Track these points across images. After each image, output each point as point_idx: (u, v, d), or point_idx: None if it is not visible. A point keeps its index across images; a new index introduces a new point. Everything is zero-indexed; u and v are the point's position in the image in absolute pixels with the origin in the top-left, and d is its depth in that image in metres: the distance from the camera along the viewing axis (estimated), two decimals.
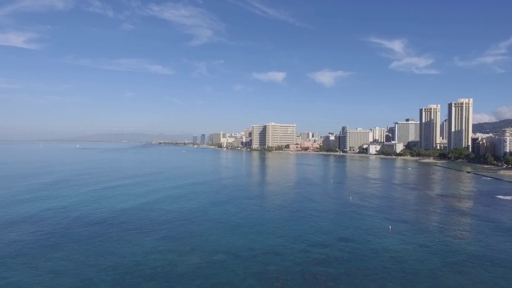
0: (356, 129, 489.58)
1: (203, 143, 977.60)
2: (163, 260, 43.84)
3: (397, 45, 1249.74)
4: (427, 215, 76.04)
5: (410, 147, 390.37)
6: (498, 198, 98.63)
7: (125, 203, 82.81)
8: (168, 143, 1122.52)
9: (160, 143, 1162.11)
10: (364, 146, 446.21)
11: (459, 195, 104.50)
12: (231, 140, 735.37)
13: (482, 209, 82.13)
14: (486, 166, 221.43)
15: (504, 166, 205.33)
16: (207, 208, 78.88)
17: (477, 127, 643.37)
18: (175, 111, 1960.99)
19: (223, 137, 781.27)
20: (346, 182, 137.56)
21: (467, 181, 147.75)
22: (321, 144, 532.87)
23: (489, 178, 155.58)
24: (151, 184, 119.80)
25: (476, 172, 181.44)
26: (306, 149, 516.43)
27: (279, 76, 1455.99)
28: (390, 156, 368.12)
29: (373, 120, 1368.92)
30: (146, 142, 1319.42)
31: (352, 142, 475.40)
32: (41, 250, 47.20)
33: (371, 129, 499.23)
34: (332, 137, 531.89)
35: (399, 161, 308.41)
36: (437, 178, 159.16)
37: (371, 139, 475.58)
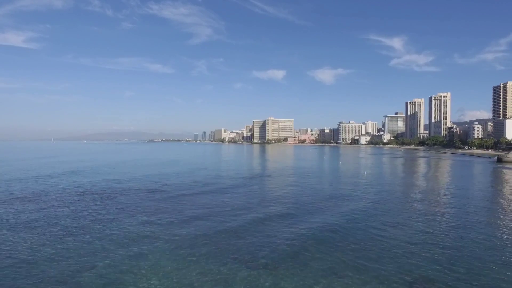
0: (349, 122, 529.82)
1: (205, 140, 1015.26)
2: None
3: (396, 43, 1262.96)
4: (379, 162, 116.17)
5: (397, 138, 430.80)
6: (443, 160, 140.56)
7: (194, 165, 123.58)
8: (170, 140, 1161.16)
9: (162, 140, 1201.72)
10: (356, 138, 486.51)
11: (413, 157, 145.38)
12: (232, 135, 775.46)
13: (419, 162, 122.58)
14: (454, 149, 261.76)
15: (466, 148, 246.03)
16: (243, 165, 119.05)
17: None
18: (175, 109, 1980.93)
19: (225, 132, 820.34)
20: (330, 156, 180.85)
21: (430, 154, 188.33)
22: (317, 137, 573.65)
23: (447, 154, 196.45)
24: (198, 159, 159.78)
25: (441, 151, 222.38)
26: (303, 141, 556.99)
27: (279, 74, 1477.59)
28: (378, 145, 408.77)
29: (369, 115, 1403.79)
30: (148, 140, 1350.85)
31: (345, 134, 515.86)
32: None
33: (363, 123, 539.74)
34: (327, 130, 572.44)
35: (385, 148, 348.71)
36: (406, 154, 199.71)
37: (363, 132, 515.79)
